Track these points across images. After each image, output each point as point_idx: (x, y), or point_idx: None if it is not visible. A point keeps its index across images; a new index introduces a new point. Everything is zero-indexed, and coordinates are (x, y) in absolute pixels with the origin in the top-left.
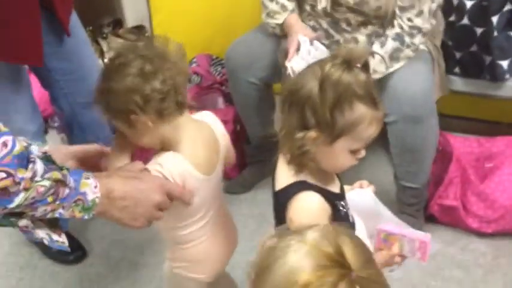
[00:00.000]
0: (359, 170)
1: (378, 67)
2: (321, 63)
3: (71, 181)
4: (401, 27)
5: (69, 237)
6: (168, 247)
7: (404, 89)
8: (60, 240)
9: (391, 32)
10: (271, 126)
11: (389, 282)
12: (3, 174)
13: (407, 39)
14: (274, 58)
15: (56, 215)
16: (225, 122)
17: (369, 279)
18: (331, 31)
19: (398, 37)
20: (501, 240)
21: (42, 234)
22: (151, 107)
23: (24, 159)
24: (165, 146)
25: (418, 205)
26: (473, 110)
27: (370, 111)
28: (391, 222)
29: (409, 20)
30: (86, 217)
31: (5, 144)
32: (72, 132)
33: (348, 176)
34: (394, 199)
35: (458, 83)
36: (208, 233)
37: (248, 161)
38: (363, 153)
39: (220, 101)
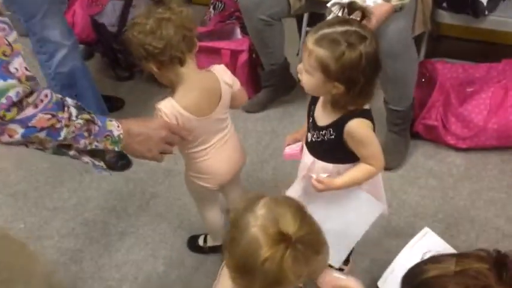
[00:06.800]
0: None
1: None
2: None
3: (98, 121)
4: None
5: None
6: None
7: (381, 27)
8: (101, 164)
9: None
10: (281, 55)
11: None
12: (49, 116)
13: None
14: None
15: (93, 147)
16: (241, 51)
17: (306, 235)
18: None
19: None
20: (474, 154)
21: (86, 159)
22: (151, 57)
23: (61, 105)
24: (173, 88)
25: (404, 125)
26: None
27: None
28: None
29: None
30: (116, 149)
31: (46, 95)
32: None
33: None
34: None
35: (446, 16)
36: (211, 155)
37: (263, 85)
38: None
39: (237, 32)
